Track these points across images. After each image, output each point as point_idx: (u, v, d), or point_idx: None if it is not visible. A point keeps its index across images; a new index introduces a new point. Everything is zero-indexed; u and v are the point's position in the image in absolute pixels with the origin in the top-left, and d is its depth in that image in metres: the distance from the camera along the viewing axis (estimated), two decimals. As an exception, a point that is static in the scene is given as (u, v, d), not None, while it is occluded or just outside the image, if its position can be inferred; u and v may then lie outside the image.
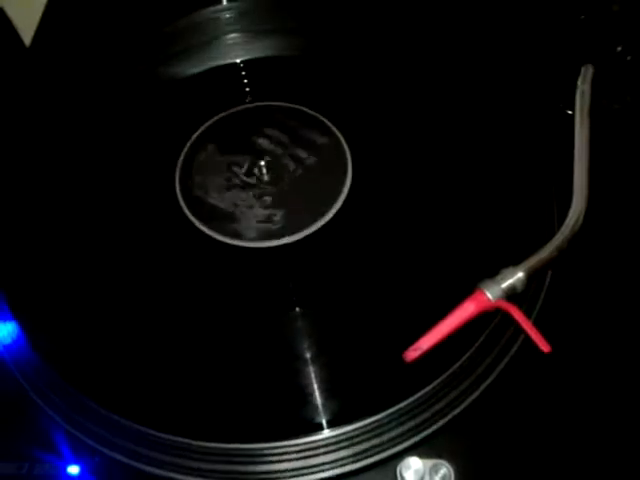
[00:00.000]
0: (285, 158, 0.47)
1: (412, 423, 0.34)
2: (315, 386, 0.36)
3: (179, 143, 0.48)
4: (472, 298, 0.34)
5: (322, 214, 0.43)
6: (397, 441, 0.34)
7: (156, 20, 0.56)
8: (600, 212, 0.40)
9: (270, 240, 0.42)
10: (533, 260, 0.35)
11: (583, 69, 0.46)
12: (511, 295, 0.35)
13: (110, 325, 0.39)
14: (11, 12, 0.69)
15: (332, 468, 0.33)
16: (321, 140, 0.48)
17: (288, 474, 0.33)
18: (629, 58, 0.47)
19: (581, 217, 0.37)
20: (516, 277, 0.35)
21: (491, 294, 0.34)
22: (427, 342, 0.33)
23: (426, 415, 0.34)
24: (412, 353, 0.34)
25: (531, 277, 0.36)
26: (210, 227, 0.43)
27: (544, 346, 0.32)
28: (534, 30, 0.52)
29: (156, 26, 0.55)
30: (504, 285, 0.35)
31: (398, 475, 0.33)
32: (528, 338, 0.34)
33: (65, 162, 0.48)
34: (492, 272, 0.36)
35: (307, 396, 0.35)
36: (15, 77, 0.56)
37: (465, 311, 0.34)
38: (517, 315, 0.33)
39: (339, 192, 0.44)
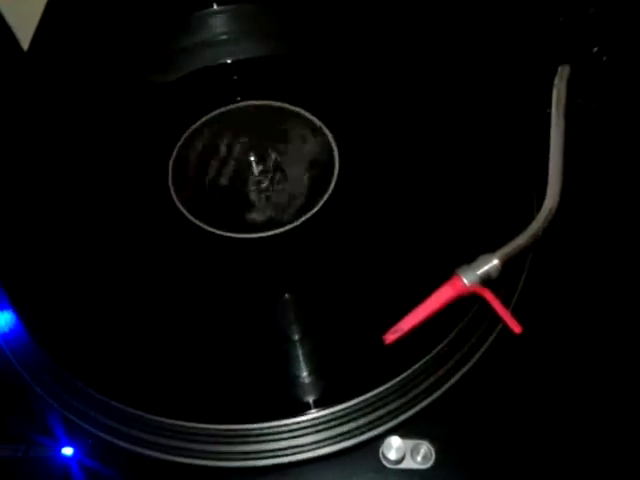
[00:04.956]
0: (274, 154, 0.48)
1: (394, 405, 0.35)
2: (301, 369, 0.37)
3: (173, 139, 0.50)
4: (449, 283, 0.35)
5: (309, 208, 0.45)
6: (380, 422, 0.34)
7: (153, 22, 0.57)
8: (576, 202, 0.41)
9: (259, 232, 0.44)
10: (508, 248, 0.37)
11: (560, 68, 0.47)
12: (488, 280, 0.36)
13: (104, 312, 0.40)
14: (9, 17, 0.71)
15: (317, 448, 0.34)
16: (309, 136, 0.49)
17: (273, 454, 0.34)
18: (604, 59, 0.49)
19: (554, 208, 0.38)
20: (491, 264, 0.36)
21: (467, 279, 0.35)
22: (406, 324, 0.34)
23: (408, 397, 0.35)
24: (392, 335, 0.34)
25: (509, 263, 0.37)
26: (201, 219, 0.45)
27: (515, 327, 0.33)
28: (516, 31, 0.54)
29: (151, 29, 0.57)
30: (479, 271, 0.36)
31: (381, 455, 0.34)
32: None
33: (62, 159, 0.49)
34: (473, 257, 0.37)
35: (293, 378, 0.36)
36: (13, 80, 0.57)
37: (442, 295, 0.35)
38: (490, 298, 0.34)
39: (326, 186, 0.46)
